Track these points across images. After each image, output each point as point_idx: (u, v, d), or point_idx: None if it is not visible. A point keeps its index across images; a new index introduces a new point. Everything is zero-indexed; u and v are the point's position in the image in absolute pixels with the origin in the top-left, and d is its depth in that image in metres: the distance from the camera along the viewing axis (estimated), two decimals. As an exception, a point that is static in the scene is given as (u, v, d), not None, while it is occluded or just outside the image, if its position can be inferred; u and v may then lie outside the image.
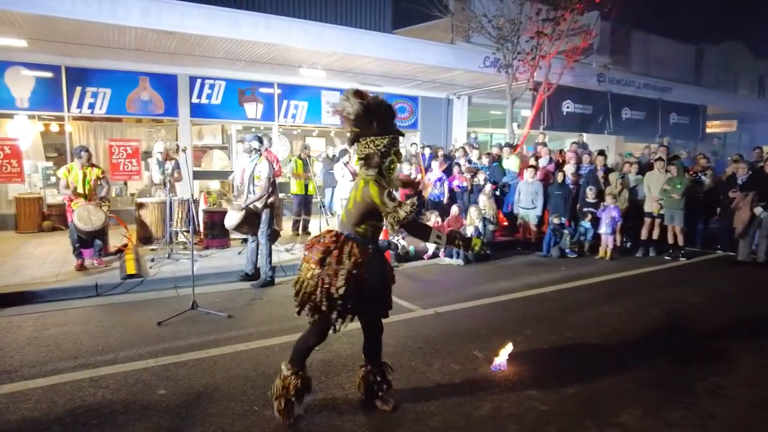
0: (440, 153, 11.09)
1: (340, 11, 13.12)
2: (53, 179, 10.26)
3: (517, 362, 3.89)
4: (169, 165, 7.79)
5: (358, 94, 2.87)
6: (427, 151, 11.18)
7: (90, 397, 3.33)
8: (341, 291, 2.79)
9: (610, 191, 8.54)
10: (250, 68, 11.00)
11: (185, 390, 3.44)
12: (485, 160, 9.81)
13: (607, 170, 9.45)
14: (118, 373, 3.72)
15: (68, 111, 10.01)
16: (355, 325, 4.69)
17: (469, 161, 10.23)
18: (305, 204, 9.47)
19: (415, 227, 2.98)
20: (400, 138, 3.06)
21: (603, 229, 8.31)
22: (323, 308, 2.84)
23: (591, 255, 8.55)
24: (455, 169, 9.61)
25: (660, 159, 8.65)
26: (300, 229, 9.37)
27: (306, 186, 9.40)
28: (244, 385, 3.50)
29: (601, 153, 9.74)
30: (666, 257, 8.31)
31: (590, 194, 8.80)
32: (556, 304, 5.70)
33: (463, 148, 11.16)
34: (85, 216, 6.29)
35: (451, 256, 7.82)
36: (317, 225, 8.44)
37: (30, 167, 9.99)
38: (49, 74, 9.77)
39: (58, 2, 7.28)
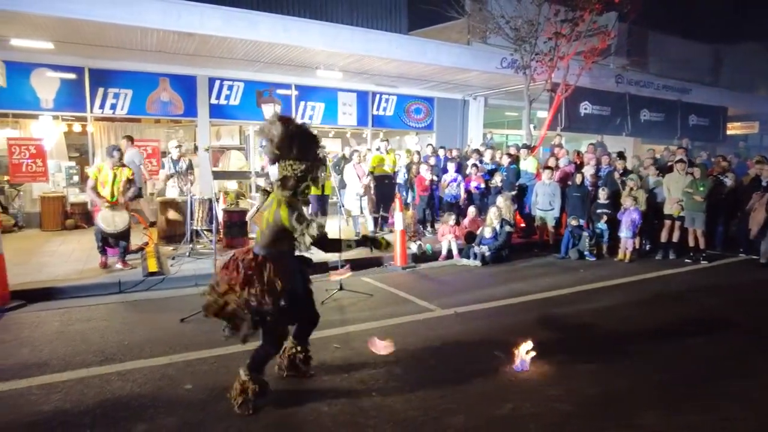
0: (454, 153, 11.08)
1: (356, 13, 13.17)
2: (76, 178, 10.47)
3: (538, 362, 3.88)
4: (183, 163, 7.91)
5: (283, 119, 3.05)
6: (442, 152, 11.17)
7: (118, 390, 3.41)
8: (272, 307, 3.00)
9: (629, 193, 8.45)
10: (268, 70, 11.11)
11: (209, 385, 3.49)
12: (505, 160, 9.74)
13: (626, 172, 9.36)
14: (143, 367, 3.79)
15: (91, 111, 10.20)
16: (373, 326, 4.77)
17: (481, 161, 10.18)
18: (321, 204, 9.51)
19: (327, 243, 3.15)
20: (323, 163, 3.23)
21: (624, 233, 8.21)
22: (251, 323, 3.03)
23: (609, 257, 8.47)
24: (472, 171, 9.59)
25: (681, 161, 8.54)
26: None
27: (322, 186, 9.44)
28: (268, 383, 3.53)
29: (621, 155, 9.64)
30: (687, 260, 8.19)
31: (602, 195, 8.72)
32: (576, 306, 5.66)
33: (477, 150, 11.13)
34: (108, 218, 6.32)
35: (468, 257, 7.81)
36: (334, 225, 8.48)
37: (54, 167, 10.18)
38: (72, 76, 9.97)
39: (80, 5, 7.42)
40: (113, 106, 10.34)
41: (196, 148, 11.16)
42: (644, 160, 10.08)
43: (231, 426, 2.95)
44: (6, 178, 9.90)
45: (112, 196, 6.47)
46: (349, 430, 2.94)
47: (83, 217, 9.93)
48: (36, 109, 9.85)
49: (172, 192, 8.19)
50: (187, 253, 7.17)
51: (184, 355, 3.99)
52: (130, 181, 6.66)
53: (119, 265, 6.60)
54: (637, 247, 8.50)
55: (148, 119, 11.36)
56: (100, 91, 10.19)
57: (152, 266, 6.40)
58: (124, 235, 6.58)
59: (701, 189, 7.97)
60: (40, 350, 4.12)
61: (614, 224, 8.53)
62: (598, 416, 3.16)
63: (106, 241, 6.59)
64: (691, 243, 8.25)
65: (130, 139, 8.94)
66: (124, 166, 6.71)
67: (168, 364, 3.84)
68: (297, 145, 3.03)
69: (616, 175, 9.11)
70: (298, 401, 3.25)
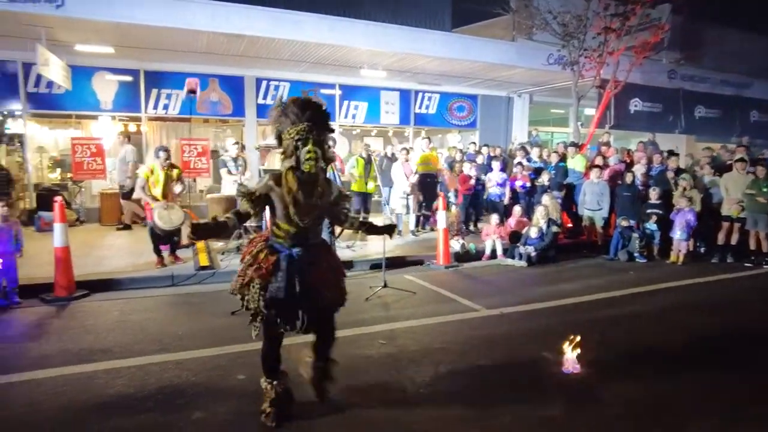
0: (498, 152, 10.93)
1: (399, 11, 13.18)
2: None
3: (587, 366, 3.78)
4: (240, 161, 8.16)
5: (278, 101, 2.90)
6: (485, 150, 11.03)
7: (175, 378, 3.56)
8: (246, 295, 2.80)
9: (682, 194, 8.09)
10: (313, 70, 11.29)
11: (260, 376, 3.58)
12: (554, 158, 9.53)
13: (679, 171, 8.97)
14: (197, 357, 3.94)
15: (145, 112, 10.68)
16: (417, 323, 4.78)
17: (529, 160, 9.99)
18: (364, 202, 9.58)
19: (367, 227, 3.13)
20: (329, 131, 2.90)
21: (677, 234, 7.88)
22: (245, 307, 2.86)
23: (661, 259, 8.15)
24: (516, 169, 9.43)
25: (742, 160, 8.11)
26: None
27: (366, 184, 9.52)
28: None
29: (673, 153, 9.25)
30: (747, 264, 7.78)
31: (653, 195, 8.39)
32: (625, 309, 5.48)
33: (524, 148, 10.94)
34: (165, 216, 6.37)
35: (512, 257, 7.69)
36: (377, 222, 8.53)
37: (111, 165, 10.71)
38: (129, 78, 10.46)
39: (139, 11, 7.79)
40: (165, 107, 10.78)
41: (243, 147, 11.47)
42: (700, 159, 9.64)
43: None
44: (70, 175, 10.51)
45: (164, 195, 6.58)
46: (396, 425, 2.96)
47: (136, 213, 10.38)
48: (96, 110, 10.41)
49: (230, 189, 8.41)
50: (236, 248, 7.39)
51: (235, 347, 4.11)
52: (179, 180, 6.80)
53: (174, 260, 6.80)
54: (691, 249, 8.13)
55: (198, 119, 11.75)
56: (154, 92, 10.66)
57: (203, 261, 6.64)
58: (178, 231, 6.68)
59: (765, 190, 7.54)
60: (104, 337, 4.36)
61: (665, 225, 8.20)
62: (647, 422, 3.06)
63: (159, 239, 6.66)
64: (753, 246, 7.82)
65: (126, 136, 9.25)
66: (173, 166, 6.80)
67: (220, 355, 3.98)
68: (292, 113, 2.74)
69: (669, 174, 8.74)
70: (349, 395, 3.30)
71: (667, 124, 13.39)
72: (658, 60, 13.10)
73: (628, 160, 10.02)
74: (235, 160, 8.17)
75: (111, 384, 3.44)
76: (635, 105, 12.73)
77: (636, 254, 8.05)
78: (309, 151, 2.65)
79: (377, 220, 6.46)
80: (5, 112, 10.19)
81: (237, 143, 8.44)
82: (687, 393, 3.47)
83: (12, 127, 10.61)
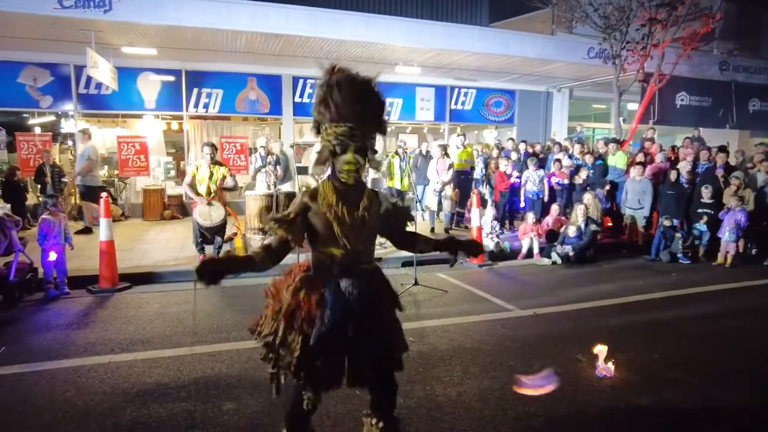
0: (537, 149, 10.69)
1: (435, 6, 13.09)
2: (173, 173, 11.38)
3: (624, 369, 3.66)
4: (271, 158, 8.29)
5: (328, 69, 2.12)
6: (522, 147, 10.81)
7: (209, 370, 3.67)
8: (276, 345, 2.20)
9: (734, 192, 7.69)
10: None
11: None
12: (588, 159, 9.25)
13: (729, 168, 8.53)
14: (231, 350, 4.04)
15: (186, 110, 11.03)
16: (449, 322, 4.75)
17: (570, 157, 9.73)
18: (399, 198, 9.58)
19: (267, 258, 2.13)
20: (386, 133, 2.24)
21: (726, 236, 7.50)
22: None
23: (707, 261, 7.79)
24: (554, 165, 9.20)
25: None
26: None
27: (400, 181, 9.50)
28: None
29: (722, 149, 8.80)
30: (802, 267, 7.34)
31: (705, 194, 8.00)
32: (667, 312, 5.26)
33: (559, 144, 10.64)
34: (205, 212, 6.48)
35: (549, 257, 7.52)
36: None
37: (154, 162, 11.12)
38: (171, 78, 10.81)
39: (182, 13, 8.05)
40: (206, 105, 11.10)
41: (282, 145, 11.69)
42: (753, 156, 9.14)
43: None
44: (116, 172, 10.99)
45: (209, 193, 6.61)
46: (425, 423, 2.96)
47: (179, 208, 10.78)
48: (141, 110, 10.83)
49: (260, 187, 8.57)
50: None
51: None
52: (226, 178, 6.77)
53: None
54: (741, 251, 7.73)
55: (237, 117, 12.04)
56: (195, 91, 10.98)
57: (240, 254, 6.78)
58: (221, 229, 6.69)
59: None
60: (143, 328, 4.54)
61: (714, 225, 7.82)
62: (687, 429, 2.93)
63: (204, 238, 6.73)
64: (810, 248, 7.38)
65: (86, 133, 8.97)
66: (219, 164, 6.83)
67: (254, 348, 4.01)
68: (335, 103, 2.04)
69: (719, 171, 8.32)
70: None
71: (717, 118, 12.75)
72: (708, 51, 12.49)
73: (673, 157, 9.61)
74: (264, 158, 8.31)
75: (149, 373, 3.58)
76: (682, 99, 12.18)
77: (679, 255, 7.72)
78: (348, 162, 2.07)
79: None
80: (59, 113, 10.73)
81: (264, 146, 8.55)
82: (736, 403, 3.31)
83: (65, 126, 11.18)
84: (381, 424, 2.32)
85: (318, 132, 2.15)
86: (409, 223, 2.45)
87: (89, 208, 8.71)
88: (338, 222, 2.09)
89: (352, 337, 2.15)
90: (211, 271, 1.99)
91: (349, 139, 2.05)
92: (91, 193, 8.54)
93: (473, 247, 2.60)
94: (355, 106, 2.06)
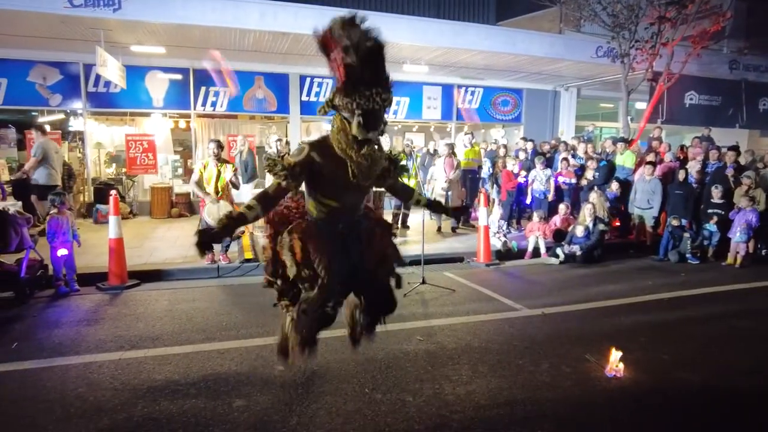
0: (546, 148, 10.64)
1: (442, 5, 13.08)
2: (180, 171, 11.43)
3: (633, 370, 3.65)
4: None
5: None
6: (530, 146, 10.77)
7: (218, 367, 3.68)
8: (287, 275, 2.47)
9: (745, 192, 7.63)
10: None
11: (300, 368, 3.66)
12: (592, 165, 9.13)
13: (739, 168, 8.46)
14: (240, 347, 4.06)
15: (194, 109, 11.06)
16: (456, 321, 4.75)
17: (574, 156, 9.67)
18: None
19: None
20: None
21: (737, 236, 7.44)
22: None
23: (716, 261, 7.74)
24: (561, 165, 9.16)
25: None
26: (399, 222, 9.50)
27: (408, 180, 9.51)
28: (354, 368, 3.65)
29: (733, 148, 8.72)
30: (813, 268, 7.28)
31: (716, 194, 7.94)
32: (675, 313, 5.24)
33: (565, 143, 10.59)
34: (214, 212, 6.41)
35: (556, 256, 7.50)
36: (416, 219, 8.52)
37: (162, 160, 11.17)
38: (179, 76, 10.85)
39: (191, 11, 8.07)
40: (213, 104, 11.13)
41: (287, 143, 11.69)
42: (764, 155, 9.06)
43: (320, 408, 3.08)
44: (124, 170, 11.06)
45: (217, 191, 6.59)
46: (434, 422, 2.96)
47: (186, 206, 10.83)
48: (149, 108, 10.87)
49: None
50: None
51: (276, 338, 4.20)
52: (234, 177, 6.73)
53: (221, 258, 6.80)
54: (751, 251, 7.67)
55: (244, 115, 12.07)
56: (203, 89, 11.01)
57: (248, 253, 6.83)
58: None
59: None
60: (153, 325, 4.57)
61: (724, 225, 7.76)
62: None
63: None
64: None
65: (40, 129, 8.55)
66: (226, 162, 6.80)
67: (262, 346, 4.08)
68: (366, 64, 2.20)
69: (730, 171, 8.25)
70: (384, 390, 3.32)
71: (727, 118, 12.65)
72: (718, 50, 12.38)
73: (682, 157, 9.55)
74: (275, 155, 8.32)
75: (159, 370, 3.61)
76: (691, 98, 12.09)
77: (688, 255, 7.68)
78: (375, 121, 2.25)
79: (417, 216, 6.44)
80: (68, 111, 10.80)
81: (280, 140, 8.59)
82: (736, 404, 3.29)
83: (73, 124, 11.25)
84: (366, 320, 2.72)
85: (350, 84, 2.18)
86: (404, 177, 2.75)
87: (38, 206, 7.95)
88: (342, 177, 2.28)
89: (350, 258, 2.45)
90: (207, 243, 2.28)
91: (382, 102, 2.20)
92: (40, 192, 7.93)
93: (459, 212, 3.14)
94: (383, 73, 2.21)
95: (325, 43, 2.19)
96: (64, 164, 9.40)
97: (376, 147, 2.36)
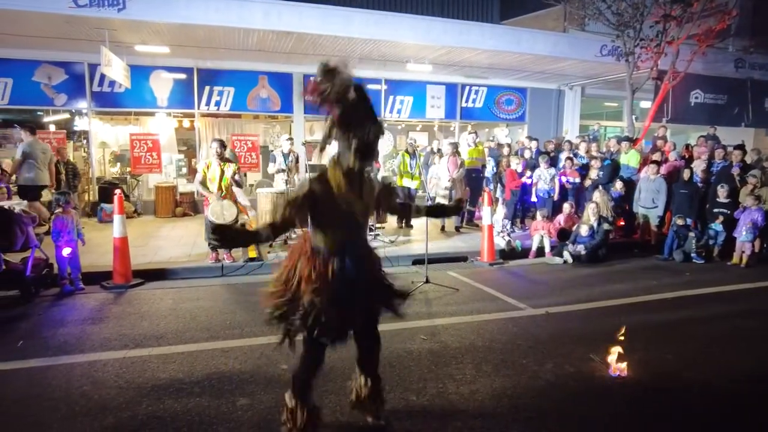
0: (550, 147, 10.62)
1: (446, 4, 13.08)
2: (184, 170, 11.47)
3: (637, 369, 3.63)
4: (292, 156, 8.35)
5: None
6: (534, 145, 10.73)
7: (222, 365, 3.69)
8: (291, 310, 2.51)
9: (751, 191, 7.58)
10: (359, 65, 11.27)
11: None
12: (595, 164, 9.09)
13: (745, 167, 8.41)
14: (244, 346, 4.07)
15: (198, 108, 11.09)
16: (460, 320, 4.74)
17: (575, 156, 9.63)
18: (409, 197, 9.57)
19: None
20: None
21: (742, 235, 7.40)
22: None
23: (721, 261, 7.70)
24: (566, 164, 9.12)
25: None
26: (403, 222, 9.50)
27: (410, 179, 9.49)
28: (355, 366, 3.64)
29: (740, 147, 8.66)
30: (820, 268, 7.23)
31: (721, 193, 7.90)
32: (679, 312, 5.21)
33: (570, 142, 10.56)
34: (218, 211, 6.42)
35: (560, 256, 7.47)
36: (420, 218, 8.52)
37: (166, 159, 11.21)
38: (183, 76, 10.88)
39: (195, 11, 8.08)
40: (217, 103, 11.16)
41: (291, 142, 11.71)
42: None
43: (324, 407, 3.06)
44: (128, 169, 11.10)
45: (220, 191, 6.56)
46: (438, 421, 2.96)
47: (191, 205, 10.86)
48: (153, 107, 10.90)
49: (280, 185, 8.56)
50: (284, 241, 7.56)
51: (280, 337, 4.21)
52: (236, 176, 6.71)
53: (225, 257, 6.77)
54: (757, 250, 7.62)
55: (248, 115, 12.09)
56: (207, 89, 11.04)
57: (252, 252, 6.84)
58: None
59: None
60: (157, 324, 4.59)
61: (729, 225, 7.72)
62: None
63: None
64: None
65: (25, 130, 8.38)
66: (229, 161, 6.79)
67: (266, 345, 4.08)
68: (363, 106, 2.39)
69: (736, 170, 8.20)
70: (388, 389, 3.31)
71: (732, 116, 12.58)
72: (724, 48, 12.32)
73: (687, 156, 9.50)
74: (286, 156, 8.33)
75: (163, 368, 3.62)
76: (696, 97, 12.03)
77: (693, 254, 7.64)
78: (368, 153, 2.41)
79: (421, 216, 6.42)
80: (73, 110, 10.85)
81: (291, 139, 8.58)
82: (739, 404, 3.27)
83: (78, 124, 11.30)
84: (369, 383, 2.81)
85: (344, 125, 2.36)
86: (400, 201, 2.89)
87: (33, 209, 7.40)
88: (348, 205, 2.43)
89: (352, 296, 2.50)
90: (229, 239, 2.43)
91: (375, 136, 2.38)
92: (25, 193, 7.96)
93: (456, 208, 3.25)
94: (371, 111, 2.39)
95: (317, 93, 2.35)
96: (68, 163, 9.45)
97: (370, 177, 2.57)
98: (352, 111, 2.35)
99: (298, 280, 2.49)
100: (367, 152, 2.40)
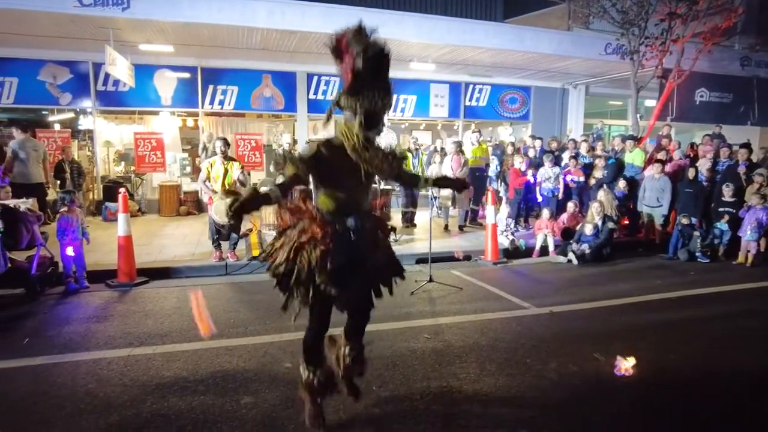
0: (553, 145, 10.58)
1: (450, 2, 13.02)
2: (188, 169, 11.49)
3: (641, 369, 3.62)
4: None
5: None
6: (538, 143, 10.70)
7: (226, 364, 3.70)
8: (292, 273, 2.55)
9: (756, 190, 7.54)
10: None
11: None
12: (600, 162, 9.05)
13: (751, 165, 8.36)
14: (248, 344, 4.08)
15: (202, 107, 11.11)
16: (464, 319, 4.73)
17: (577, 155, 9.58)
18: (412, 196, 9.57)
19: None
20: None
21: (747, 234, 7.36)
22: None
23: (726, 260, 7.66)
24: (570, 162, 9.09)
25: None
26: (408, 221, 9.50)
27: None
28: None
29: (746, 146, 8.61)
30: (826, 267, 7.18)
31: (727, 192, 7.85)
32: (684, 312, 5.19)
33: (573, 140, 10.51)
34: (222, 209, 6.16)
35: (564, 255, 7.45)
36: (424, 217, 8.52)
37: (170, 158, 11.22)
38: (187, 75, 10.90)
39: (199, 10, 8.09)
40: (221, 102, 11.17)
41: (295, 142, 11.72)
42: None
43: (328, 406, 3.06)
44: (132, 168, 11.13)
45: (224, 189, 6.39)
46: (441, 420, 2.95)
47: (195, 204, 10.88)
48: (157, 106, 10.93)
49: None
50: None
51: (284, 335, 4.22)
52: (241, 173, 6.69)
53: (229, 255, 6.78)
54: (762, 250, 7.57)
55: (252, 114, 12.11)
56: (210, 88, 11.06)
57: (255, 251, 6.85)
58: (235, 227, 6.52)
59: None
60: (161, 322, 4.60)
61: (734, 224, 7.68)
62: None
63: (220, 235, 6.70)
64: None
65: (20, 127, 8.36)
66: (232, 159, 6.79)
67: (270, 343, 4.10)
68: (377, 71, 2.42)
69: (741, 169, 8.16)
70: (392, 387, 3.32)
71: (738, 115, 12.51)
72: (730, 46, 12.24)
73: (692, 154, 9.45)
74: (287, 153, 8.34)
75: (168, 367, 3.63)
76: (701, 95, 11.97)
77: (698, 254, 7.60)
78: (376, 121, 2.46)
79: (425, 213, 6.42)
80: (78, 109, 10.89)
81: (291, 140, 8.60)
82: (743, 403, 3.26)
83: (83, 123, 11.34)
84: (352, 352, 2.89)
85: (354, 91, 2.39)
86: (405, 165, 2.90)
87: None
88: (352, 168, 2.46)
89: (354, 253, 2.56)
90: (243, 205, 2.31)
91: (383, 104, 2.42)
92: (17, 191, 7.45)
93: (459, 183, 3.15)
94: (385, 79, 2.43)
95: (338, 48, 2.42)
96: (73, 162, 9.48)
97: (376, 144, 2.55)
98: (367, 76, 2.35)
99: (300, 237, 2.52)
100: (374, 121, 2.43)
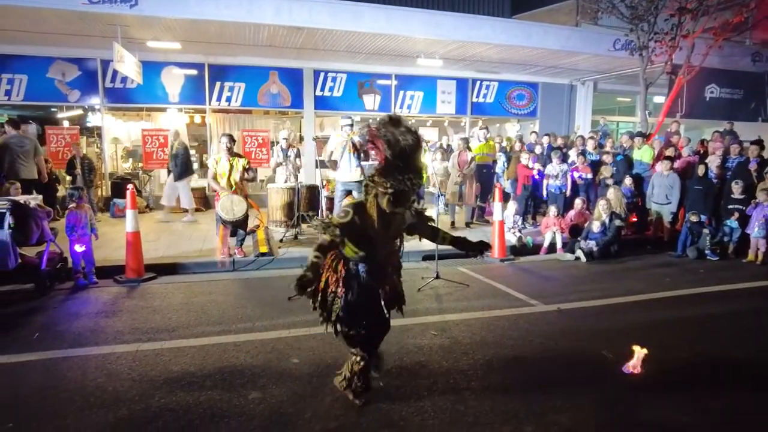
0: (559, 142, 10.52)
1: (458, -1, 13.00)
2: (195, 165, 11.53)
3: (650, 367, 3.58)
4: (291, 152, 8.35)
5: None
6: (545, 140, 10.64)
7: (234, 359, 3.72)
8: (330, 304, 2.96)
9: (764, 187, 7.46)
10: (369, 61, 11.33)
11: (315, 361, 3.69)
12: (607, 158, 8.98)
13: (762, 162, 8.26)
14: (256, 340, 4.10)
15: (209, 104, 11.15)
16: (471, 316, 4.73)
17: (584, 152, 9.52)
18: (417, 193, 9.53)
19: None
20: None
21: (755, 231, 7.29)
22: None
23: (736, 258, 7.58)
24: (578, 159, 9.03)
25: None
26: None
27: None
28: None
29: (757, 142, 8.51)
30: (838, 265, 7.09)
31: (736, 189, 7.77)
32: (693, 309, 5.14)
33: (582, 137, 10.44)
34: (227, 206, 6.38)
35: (572, 252, 7.42)
36: (431, 213, 8.49)
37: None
38: (194, 72, 10.95)
39: (206, 7, 8.12)
40: (228, 99, 11.21)
41: (302, 139, 11.75)
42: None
43: (335, 401, 3.09)
44: (140, 165, 11.20)
45: (230, 185, 6.54)
46: (449, 416, 2.95)
47: (202, 200, 10.92)
48: (165, 103, 10.99)
49: (280, 180, 8.62)
50: (294, 236, 7.59)
51: (291, 331, 4.25)
52: (247, 170, 6.69)
53: (236, 252, 6.75)
54: (773, 247, 7.50)
55: (259, 110, 12.14)
56: (218, 84, 11.10)
57: (263, 247, 6.87)
58: (243, 222, 6.59)
59: None
60: (169, 318, 4.63)
61: (744, 221, 7.60)
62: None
63: (226, 231, 6.65)
64: None
65: (12, 123, 8.23)
66: (238, 155, 6.77)
67: (277, 339, 4.11)
68: (412, 157, 2.73)
69: (753, 165, 8.07)
70: (398, 383, 3.32)
71: (749, 111, 12.37)
72: (741, 42, 12.10)
73: (702, 151, 9.35)
74: (284, 150, 8.36)
75: (175, 362, 3.65)
76: (711, 92, 11.84)
77: (707, 251, 7.53)
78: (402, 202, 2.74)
79: (431, 211, 6.37)
80: (86, 106, 10.96)
81: (289, 135, 8.61)
82: (752, 402, 3.22)
83: (91, 120, 11.42)
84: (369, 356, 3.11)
85: (385, 171, 2.68)
86: (430, 221, 3.22)
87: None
88: (375, 233, 2.84)
89: (368, 297, 2.95)
90: (305, 285, 2.69)
91: (412, 186, 2.70)
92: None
93: (481, 246, 3.28)
94: (416, 163, 2.75)
95: (372, 135, 2.73)
96: (83, 158, 9.55)
97: (402, 214, 2.91)
98: (399, 160, 2.64)
99: (326, 279, 2.95)
100: (402, 200, 2.73)
